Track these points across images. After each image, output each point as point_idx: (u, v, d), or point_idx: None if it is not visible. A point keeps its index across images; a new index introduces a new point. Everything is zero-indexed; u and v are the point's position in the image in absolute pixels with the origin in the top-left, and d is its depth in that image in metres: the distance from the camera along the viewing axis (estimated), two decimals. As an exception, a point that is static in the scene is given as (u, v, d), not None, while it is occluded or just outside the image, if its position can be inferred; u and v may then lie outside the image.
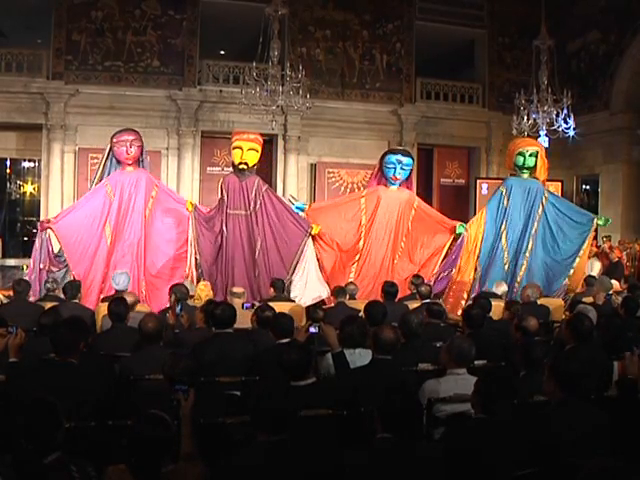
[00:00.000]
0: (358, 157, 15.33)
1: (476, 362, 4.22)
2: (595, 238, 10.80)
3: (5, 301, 7.00)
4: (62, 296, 6.68)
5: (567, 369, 3.32)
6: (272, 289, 7.24)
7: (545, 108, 11.96)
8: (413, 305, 6.79)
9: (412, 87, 16.11)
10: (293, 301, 7.29)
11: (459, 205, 16.00)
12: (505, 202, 8.67)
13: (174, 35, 14.58)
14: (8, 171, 16.69)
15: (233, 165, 8.27)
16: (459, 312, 7.35)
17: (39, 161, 15.06)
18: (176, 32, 14.58)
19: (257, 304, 6.31)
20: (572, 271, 8.56)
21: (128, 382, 3.97)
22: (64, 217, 8.08)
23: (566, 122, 11.93)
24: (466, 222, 8.69)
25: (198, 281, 7.82)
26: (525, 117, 12.10)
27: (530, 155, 8.70)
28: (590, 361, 3.98)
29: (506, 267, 8.56)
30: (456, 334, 5.24)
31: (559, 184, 14.77)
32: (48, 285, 7.03)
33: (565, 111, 11.89)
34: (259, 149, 8.15)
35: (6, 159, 16.29)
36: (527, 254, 8.53)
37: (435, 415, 3.69)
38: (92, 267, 7.87)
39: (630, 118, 14.95)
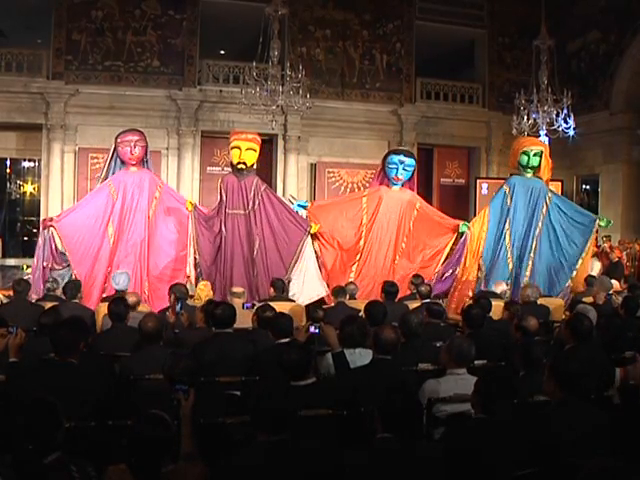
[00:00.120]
0: (358, 157, 15.34)
1: (476, 362, 4.22)
2: (595, 238, 10.78)
3: (5, 301, 7.01)
4: (62, 296, 6.69)
5: (567, 369, 3.32)
6: (272, 289, 7.24)
7: (545, 108, 11.95)
8: (413, 305, 6.80)
9: (412, 87, 16.09)
10: (293, 301, 7.29)
11: (459, 205, 15.96)
12: (508, 201, 8.65)
13: (174, 35, 14.57)
14: (8, 171, 16.67)
15: (232, 165, 8.27)
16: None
17: (39, 161, 15.04)
18: (176, 32, 14.57)
19: (257, 304, 6.30)
20: (575, 273, 8.55)
21: (128, 382, 3.97)
22: (66, 216, 8.07)
23: (566, 122, 11.92)
24: (468, 222, 8.69)
25: (197, 281, 7.82)
26: (525, 117, 12.09)
27: (534, 154, 8.69)
28: (590, 361, 3.98)
29: (510, 266, 8.54)
30: (456, 334, 5.24)
31: (559, 184, 14.73)
32: (48, 285, 7.04)
33: (565, 111, 11.87)
34: (257, 149, 8.15)
35: (6, 159, 16.27)
36: (532, 254, 8.52)
37: (435, 415, 3.69)
38: (94, 267, 7.84)
39: (630, 118, 14.93)
